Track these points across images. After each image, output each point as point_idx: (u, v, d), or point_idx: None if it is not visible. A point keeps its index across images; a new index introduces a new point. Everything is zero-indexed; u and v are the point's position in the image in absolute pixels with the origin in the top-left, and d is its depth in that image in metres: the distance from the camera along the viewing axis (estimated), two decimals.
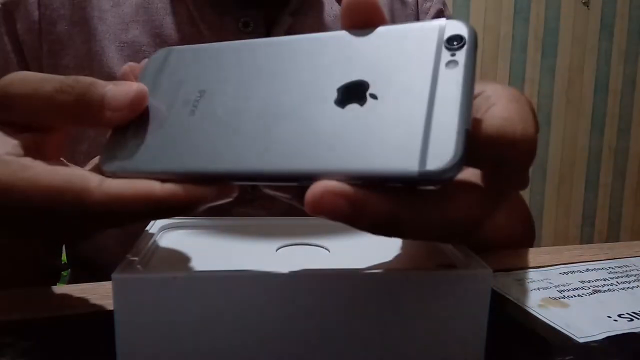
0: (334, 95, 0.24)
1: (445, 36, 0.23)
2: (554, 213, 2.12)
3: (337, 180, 0.22)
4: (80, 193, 0.24)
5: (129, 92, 0.26)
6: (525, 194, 2.06)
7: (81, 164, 0.40)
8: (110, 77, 0.51)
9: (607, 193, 2.17)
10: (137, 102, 0.27)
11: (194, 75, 0.27)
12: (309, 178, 0.22)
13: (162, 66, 0.29)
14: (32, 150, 0.28)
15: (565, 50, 2.02)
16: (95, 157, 0.32)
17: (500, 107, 0.24)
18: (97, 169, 0.27)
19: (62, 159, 0.31)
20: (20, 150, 0.27)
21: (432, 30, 0.24)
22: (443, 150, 0.21)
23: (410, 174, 0.21)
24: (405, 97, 0.23)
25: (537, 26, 1.99)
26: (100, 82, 0.27)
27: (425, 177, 0.20)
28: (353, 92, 0.24)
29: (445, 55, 0.23)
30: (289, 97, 0.25)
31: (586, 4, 2.01)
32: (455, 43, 0.23)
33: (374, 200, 0.21)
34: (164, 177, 0.25)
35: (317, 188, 0.21)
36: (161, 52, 0.29)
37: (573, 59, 2.04)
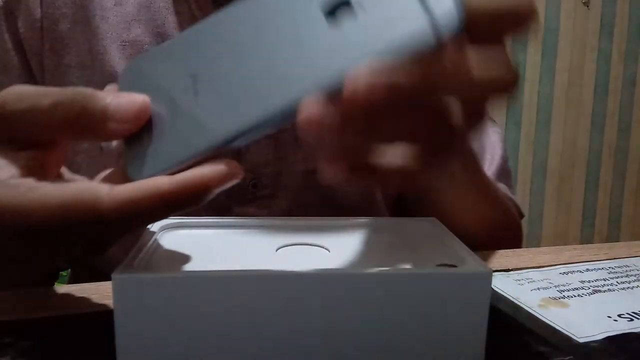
0: (320, 15, 0.25)
1: None
2: (554, 213, 2.12)
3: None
4: (93, 204, 0.24)
5: (134, 104, 0.26)
6: (525, 194, 2.06)
7: (83, 172, 0.40)
8: (112, 76, 0.51)
9: (607, 193, 2.17)
10: (143, 113, 0.27)
11: (177, 66, 0.27)
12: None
13: (140, 74, 0.28)
14: (34, 168, 0.28)
15: (565, 50, 2.02)
16: (90, 167, 0.32)
17: None
18: (108, 181, 0.27)
19: (63, 170, 0.31)
20: (24, 172, 0.27)
21: None
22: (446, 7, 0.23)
23: (425, 31, 0.23)
24: None
25: (537, 26, 1.98)
26: (100, 94, 0.26)
27: (438, 31, 0.23)
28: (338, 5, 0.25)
29: None
30: (278, 36, 0.25)
31: (586, 4, 2.01)
32: None
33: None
34: (193, 163, 0.25)
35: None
36: (132, 64, 0.29)
37: (573, 59, 2.04)
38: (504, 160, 0.62)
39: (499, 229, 0.53)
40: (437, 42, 0.23)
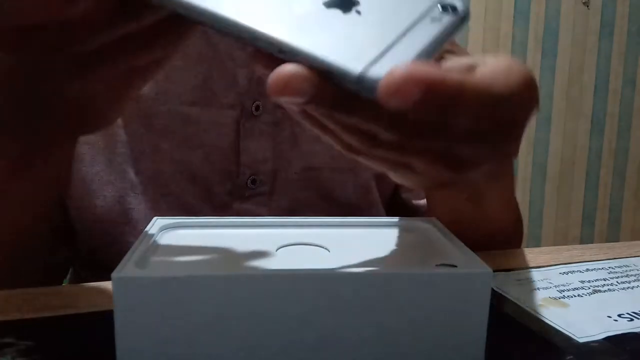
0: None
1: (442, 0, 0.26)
2: (554, 213, 2.12)
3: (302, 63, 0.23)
4: None
5: None
6: (525, 194, 2.06)
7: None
8: None
9: (607, 193, 2.17)
10: None
11: None
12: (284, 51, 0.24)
13: None
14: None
15: (565, 50, 2.02)
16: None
17: (488, 67, 0.25)
18: None
19: None
20: None
21: None
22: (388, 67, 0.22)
23: (350, 72, 0.23)
24: (384, 19, 0.25)
25: (537, 26, 1.98)
26: None
27: (361, 81, 0.22)
28: (342, 2, 0.25)
29: (435, 12, 0.25)
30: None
31: (586, 4, 2.01)
32: (448, 9, 0.25)
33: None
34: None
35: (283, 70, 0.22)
36: None
37: (573, 59, 2.04)
38: None
39: (509, 236, 0.53)
40: (357, 87, 0.23)
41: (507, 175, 0.47)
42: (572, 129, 2.08)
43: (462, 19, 0.25)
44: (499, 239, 0.49)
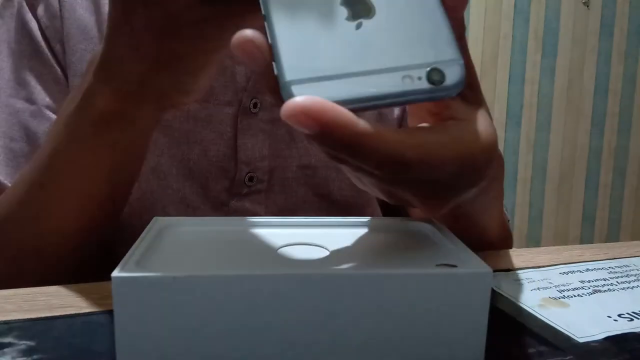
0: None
1: None
2: (554, 213, 2.12)
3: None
4: None
5: None
6: (525, 194, 2.06)
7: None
8: None
9: (607, 193, 2.17)
10: None
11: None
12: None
13: None
14: None
15: (565, 50, 2.02)
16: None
17: (433, 137, 0.27)
18: None
19: None
20: None
21: None
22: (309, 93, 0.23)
23: (283, 75, 0.24)
24: (370, 47, 0.25)
25: (537, 26, 1.99)
26: None
27: (283, 88, 0.24)
28: (354, 8, 0.25)
29: (418, 72, 0.25)
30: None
31: (586, 4, 2.01)
32: (434, 76, 0.25)
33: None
34: None
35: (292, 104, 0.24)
36: None
37: (573, 59, 2.04)
38: None
39: (495, 238, 0.52)
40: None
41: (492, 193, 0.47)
42: (572, 129, 2.08)
43: (443, 91, 0.25)
44: (485, 241, 0.49)
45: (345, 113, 0.23)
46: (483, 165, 0.29)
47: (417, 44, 0.25)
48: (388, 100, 0.25)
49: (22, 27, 0.54)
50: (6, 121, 0.52)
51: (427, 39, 0.25)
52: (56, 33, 0.53)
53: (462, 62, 0.25)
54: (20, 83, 0.53)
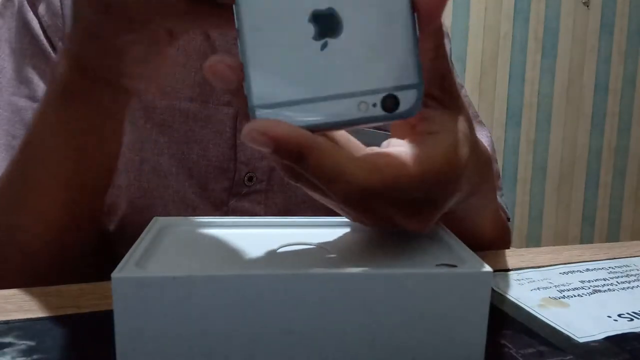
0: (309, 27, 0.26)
1: None
2: (554, 213, 2.12)
3: None
4: None
5: None
6: (525, 194, 2.06)
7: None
8: None
9: (607, 193, 2.17)
10: None
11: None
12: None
13: None
14: None
15: (565, 50, 2.02)
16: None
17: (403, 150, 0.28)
18: None
19: None
20: None
21: None
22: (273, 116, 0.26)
23: (252, 99, 0.26)
24: (330, 73, 0.26)
25: (537, 26, 1.98)
26: None
27: (250, 111, 0.26)
28: (321, 29, 0.26)
29: (373, 98, 0.26)
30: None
31: (586, 4, 2.01)
32: (389, 102, 0.26)
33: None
34: None
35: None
36: None
37: (573, 59, 2.04)
38: (493, 162, 0.62)
39: (492, 242, 0.52)
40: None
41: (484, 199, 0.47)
42: (572, 129, 2.08)
43: (397, 117, 0.26)
44: (479, 242, 0.49)
45: (296, 129, 0.26)
46: (455, 177, 0.29)
47: (377, 67, 0.26)
48: (345, 126, 0.27)
49: (23, 25, 0.54)
50: (8, 119, 0.52)
51: (388, 61, 0.26)
52: (58, 31, 0.54)
53: (420, 86, 0.26)
54: (22, 81, 0.53)
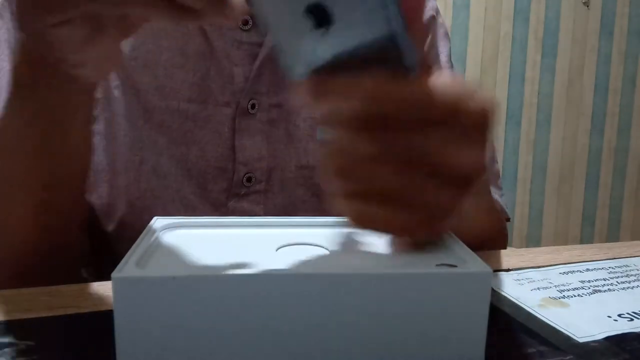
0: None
1: None
2: (554, 213, 2.12)
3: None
4: None
5: None
6: (525, 194, 2.06)
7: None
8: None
9: (607, 193, 2.17)
10: None
11: None
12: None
13: None
14: None
15: (565, 50, 2.02)
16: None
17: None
18: None
19: None
20: None
21: None
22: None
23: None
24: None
25: (537, 26, 1.98)
26: None
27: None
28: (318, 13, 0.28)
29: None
30: None
31: (586, 4, 2.01)
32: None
33: None
34: None
35: None
36: None
37: (573, 59, 2.04)
38: (492, 162, 0.62)
39: (485, 237, 0.52)
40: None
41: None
42: (572, 129, 2.08)
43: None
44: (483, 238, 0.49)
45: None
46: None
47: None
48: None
49: None
50: None
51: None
52: None
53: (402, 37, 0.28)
54: None
